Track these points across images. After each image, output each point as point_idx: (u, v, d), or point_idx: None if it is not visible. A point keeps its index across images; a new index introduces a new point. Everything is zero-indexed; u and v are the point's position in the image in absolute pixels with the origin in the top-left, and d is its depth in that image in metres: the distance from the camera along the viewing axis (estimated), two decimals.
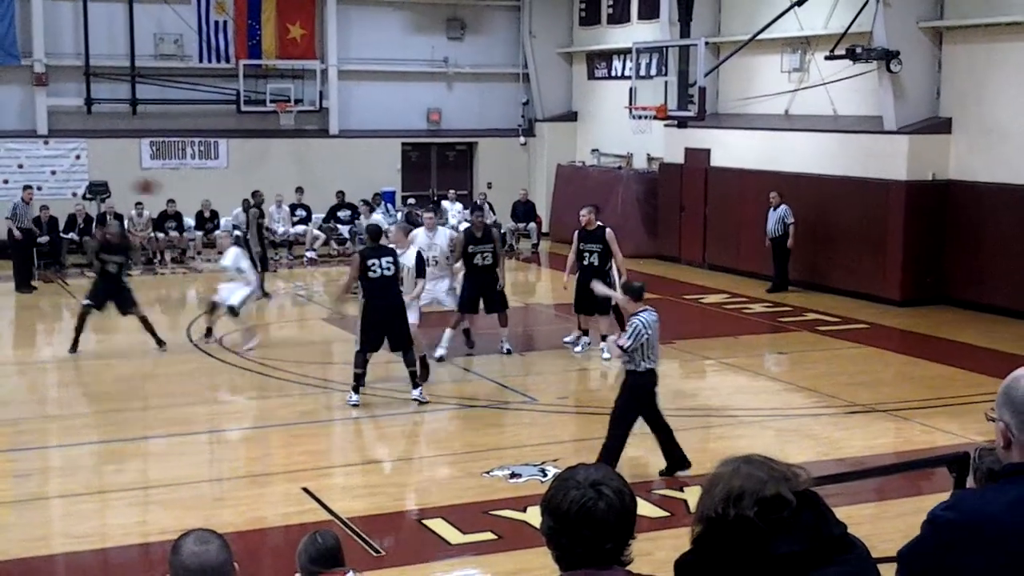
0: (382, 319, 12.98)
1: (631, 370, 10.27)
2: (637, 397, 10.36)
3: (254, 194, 21.52)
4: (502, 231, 18.83)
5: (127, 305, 15.94)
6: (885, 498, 10.25)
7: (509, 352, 15.90)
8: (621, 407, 10.44)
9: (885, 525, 9.21)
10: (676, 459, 10.64)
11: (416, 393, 13.19)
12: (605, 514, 2.91)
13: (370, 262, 12.96)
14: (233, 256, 16.36)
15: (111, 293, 15.93)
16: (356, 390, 13.09)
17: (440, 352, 15.49)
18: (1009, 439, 3.08)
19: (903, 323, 18.43)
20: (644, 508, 9.42)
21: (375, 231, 13.81)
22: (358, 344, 13.14)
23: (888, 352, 16.57)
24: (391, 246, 13.90)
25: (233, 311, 16.02)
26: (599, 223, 15.54)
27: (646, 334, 10.02)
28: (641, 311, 10.20)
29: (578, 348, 16.08)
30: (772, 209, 20.83)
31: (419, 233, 15.53)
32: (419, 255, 14.31)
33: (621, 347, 10.12)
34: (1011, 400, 3.07)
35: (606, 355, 15.32)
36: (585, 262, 15.42)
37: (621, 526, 2.95)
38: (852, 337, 17.27)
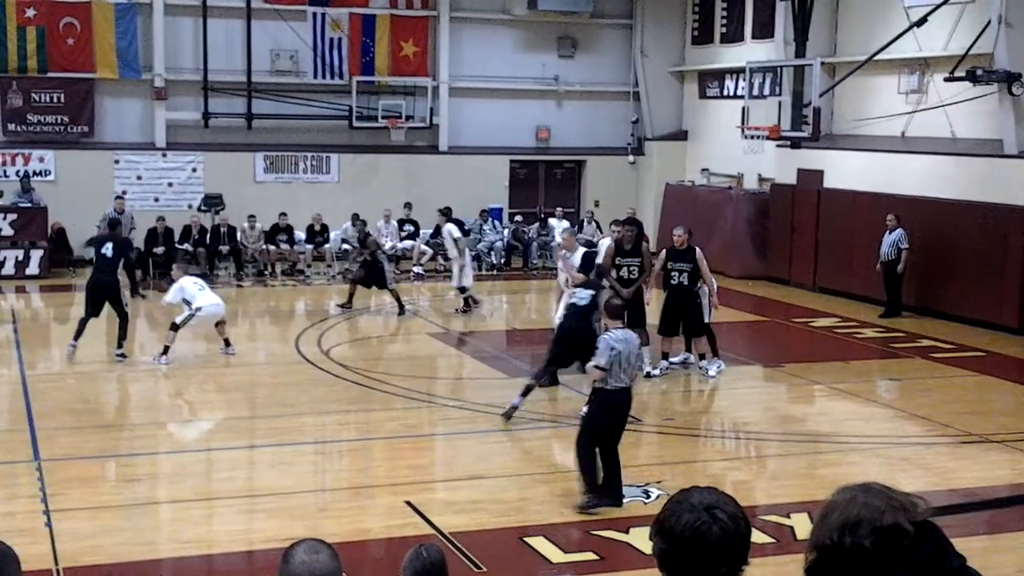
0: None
1: (599, 387, 10.10)
2: (605, 413, 10.16)
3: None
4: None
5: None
6: (998, 531, 9.98)
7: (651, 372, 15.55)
8: (585, 423, 10.35)
9: (998, 559, 8.96)
10: (612, 492, 10.17)
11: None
12: (719, 538, 2.85)
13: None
14: (174, 290, 16.09)
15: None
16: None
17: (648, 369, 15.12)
18: None
19: (1021, 351, 17.89)
20: None
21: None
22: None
23: (1005, 381, 16.09)
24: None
25: (174, 326, 15.96)
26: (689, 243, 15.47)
27: (617, 349, 9.95)
28: (616, 329, 10.25)
29: (656, 371, 15.51)
30: (888, 232, 20.40)
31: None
32: (586, 255, 15.36)
33: (598, 367, 10.02)
34: None
35: (654, 371, 15.42)
36: (674, 281, 15.33)
37: (735, 551, 2.89)
38: (967, 365, 16.83)
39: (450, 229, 20.66)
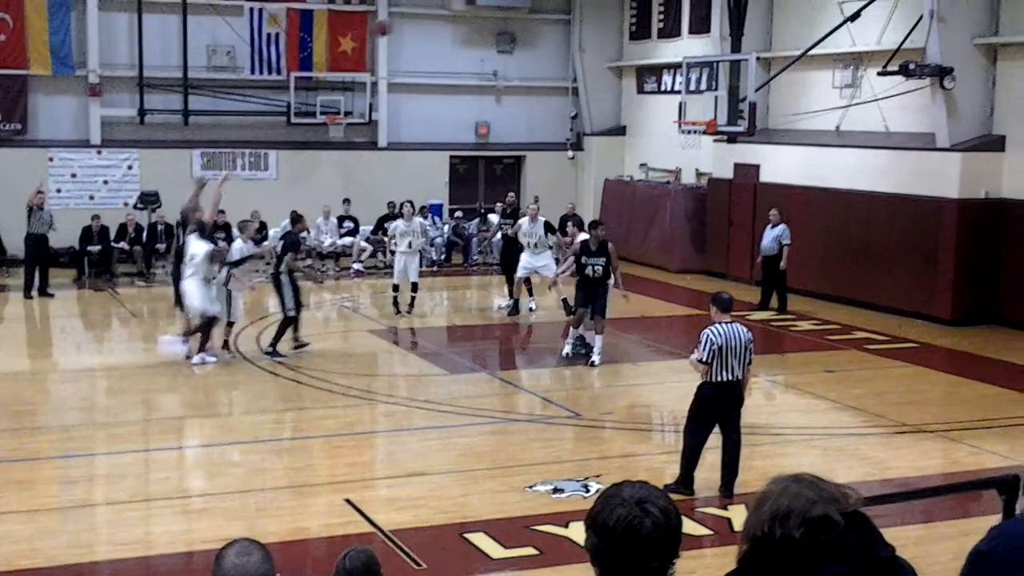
0: None
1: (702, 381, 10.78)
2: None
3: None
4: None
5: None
6: (932, 520, 10.12)
7: (594, 364, 16.03)
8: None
9: (932, 547, 9.10)
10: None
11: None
12: (651, 532, 2.87)
13: None
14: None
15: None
16: None
17: (566, 350, 16.54)
18: None
19: (953, 343, 18.19)
20: (688, 526, 9.35)
21: None
22: None
23: (937, 372, 16.36)
24: None
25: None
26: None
27: (717, 343, 10.48)
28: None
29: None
30: (770, 227, 20.56)
31: (523, 222, 19.35)
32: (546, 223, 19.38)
33: (701, 361, 10.56)
34: None
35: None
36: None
37: (667, 544, 2.91)
38: (901, 356, 17.08)
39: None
